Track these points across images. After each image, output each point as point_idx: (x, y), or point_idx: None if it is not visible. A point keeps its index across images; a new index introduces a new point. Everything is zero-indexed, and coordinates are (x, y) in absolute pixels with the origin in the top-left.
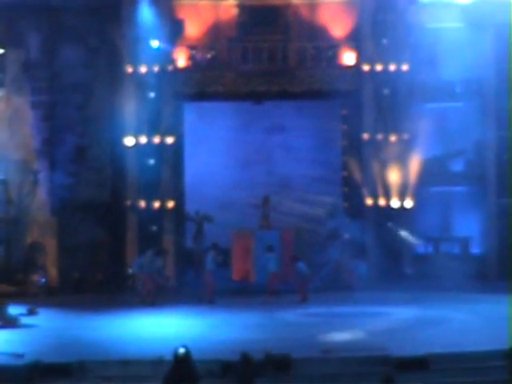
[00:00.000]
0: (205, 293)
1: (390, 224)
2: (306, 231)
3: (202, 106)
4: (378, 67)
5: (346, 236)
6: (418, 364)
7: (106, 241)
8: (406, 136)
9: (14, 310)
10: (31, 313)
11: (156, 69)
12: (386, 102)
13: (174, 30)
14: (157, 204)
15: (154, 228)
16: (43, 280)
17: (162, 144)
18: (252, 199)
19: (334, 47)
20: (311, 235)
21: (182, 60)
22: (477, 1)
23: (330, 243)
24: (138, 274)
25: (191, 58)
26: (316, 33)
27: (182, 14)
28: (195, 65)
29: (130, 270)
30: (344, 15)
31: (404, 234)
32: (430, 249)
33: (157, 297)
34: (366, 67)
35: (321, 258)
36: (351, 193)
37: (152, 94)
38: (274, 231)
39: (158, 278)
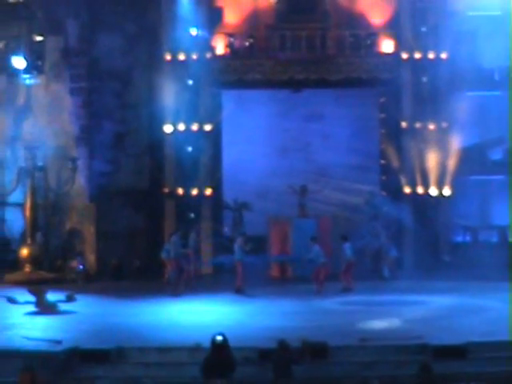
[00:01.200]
0: (236, 282)
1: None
2: (344, 219)
3: (241, 93)
4: (417, 55)
5: (384, 222)
6: (456, 352)
7: (144, 228)
8: (444, 124)
9: (52, 296)
10: (69, 299)
11: (194, 56)
12: (424, 90)
13: (212, 18)
14: (195, 191)
15: (192, 215)
16: (81, 266)
17: (201, 131)
18: (290, 185)
19: (372, 35)
20: (349, 223)
21: (220, 47)
22: None
23: (368, 230)
24: (166, 261)
25: (229, 45)
26: (354, 20)
27: (220, 2)
28: (233, 52)
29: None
30: (382, 3)
31: None
32: (468, 237)
33: (187, 284)
34: (404, 55)
35: (361, 246)
36: (389, 181)
37: (190, 82)
38: (311, 219)
39: (185, 263)
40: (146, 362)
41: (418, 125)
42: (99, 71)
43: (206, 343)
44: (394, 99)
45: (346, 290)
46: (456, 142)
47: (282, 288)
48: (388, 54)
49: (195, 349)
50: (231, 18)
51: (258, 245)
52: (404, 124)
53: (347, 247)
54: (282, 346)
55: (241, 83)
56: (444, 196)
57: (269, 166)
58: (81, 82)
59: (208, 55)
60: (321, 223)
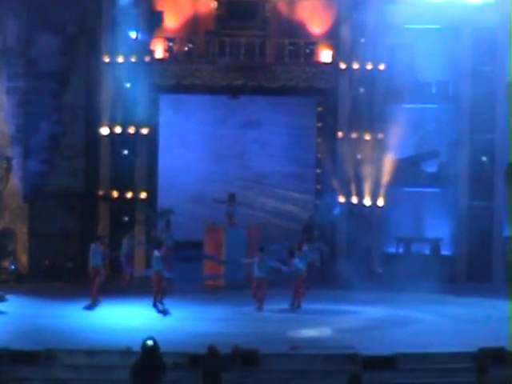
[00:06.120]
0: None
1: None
2: (276, 227)
3: (178, 98)
4: (355, 66)
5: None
6: (385, 363)
7: (78, 230)
8: (380, 135)
9: None
10: (0, 299)
11: (133, 59)
12: (361, 100)
13: (152, 21)
14: (129, 195)
15: (126, 218)
16: (13, 266)
17: (137, 135)
18: (215, 194)
19: (311, 44)
20: (282, 231)
21: (159, 51)
22: (454, 3)
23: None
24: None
25: (168, 49)
26: (294, 29)
27: (161, 6)
28: (172, 57)
29: None
30: (322, 12)
31: None
32: (401, 249)
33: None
34: (342, 65)
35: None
36: (324, 190)
37: (128, 85)
38: (243, 229)
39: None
40: (75, 365)
41: (354, 135)
42: (37, 71)
43: (137, 347)
44: (331, 109)
45: (296, 306)
46: (391, 154)
47: (215, 294)
48: (326, 64)
49: (125, 352)
50: (171, 22)
51: (193, 250)
52: (340, 134)
53: (297, 262)
54: (212, 352)
55: (179, 88)
56: (378, 206)
57: (204, 172)
58: (18, 82)
59: (147, 59)
60: (251, 232)
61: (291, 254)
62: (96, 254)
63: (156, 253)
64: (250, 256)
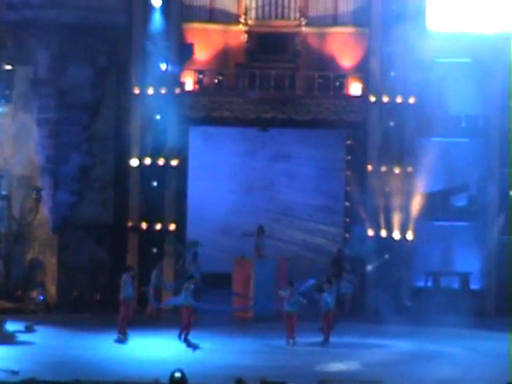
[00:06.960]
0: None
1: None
2: (304, 260)
3: (208, 130)
4: (385, 99)
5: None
6: None
7: (106, 261)
8: (410, 169)
9: (11, 326)
10: (28, 330)
11: (163, 91)
12: (391, 133)
13: (183, 53)
14: (158, 226)
15: (155, 250)
16: (42, 297)
17: (166, 166)
18: (245, 229)
19: (341, 77)
20: (310, 264)
21: (189, 83)
22: (485, 37)
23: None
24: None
25: (198, 81)
26: (324, 62)
27: (191, 38)
28: (202, 89)
29: None
30: (352, 45)
31: None
32: (430, 283)
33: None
34: (372, 98)
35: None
36: (353, 223)
37: (158, 116)
38: (271, 260)
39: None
40: None
41: (383, 168)
42: (67, 102)
43: (164, 379)
44: (361, 142)
45: (326, 341)
46: (420, 187)
47: (243, 327)
48: (356, 97)
49: None
50: (201, 54)
51: (221, 282)
52: (370, 167)
53: (326, 296)
54: None
55: (209, 120)
56: (407, 240)
57: (233, 204)
58: (48, 113)
59: (177, 90)
60: (279, 265)
61: (320, 289)
62: (127, 285)
63: (187, 285)
64: (280, 288)
